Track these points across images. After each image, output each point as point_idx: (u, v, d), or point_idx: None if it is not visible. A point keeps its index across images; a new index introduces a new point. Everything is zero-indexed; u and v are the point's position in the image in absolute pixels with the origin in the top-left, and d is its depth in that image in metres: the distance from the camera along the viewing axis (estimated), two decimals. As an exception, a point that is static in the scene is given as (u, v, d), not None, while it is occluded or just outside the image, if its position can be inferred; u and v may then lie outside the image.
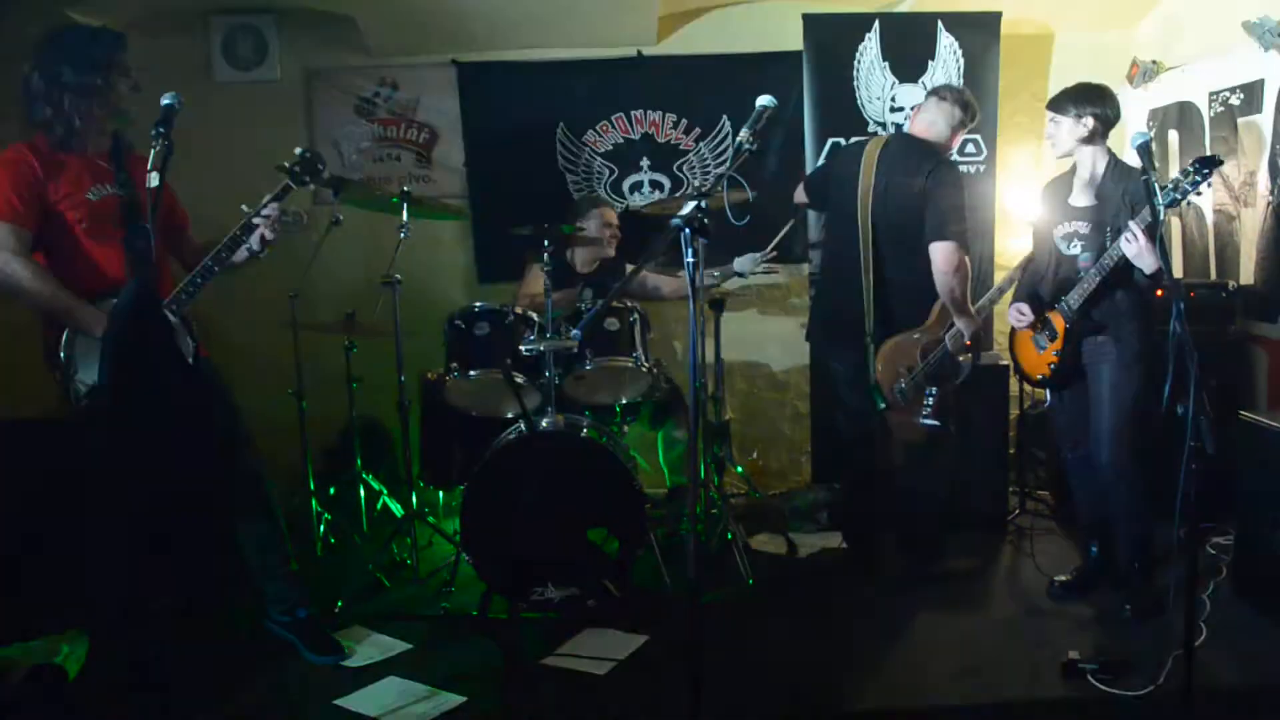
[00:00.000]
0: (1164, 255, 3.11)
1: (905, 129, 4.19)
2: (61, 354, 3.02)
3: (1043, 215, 3.86)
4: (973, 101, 4.08)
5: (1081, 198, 3.70)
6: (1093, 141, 3.63)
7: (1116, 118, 3.66)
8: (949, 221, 3.82)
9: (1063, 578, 3.92)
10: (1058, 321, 3.69)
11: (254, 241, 3.23)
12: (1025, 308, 3.78)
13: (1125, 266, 3.45)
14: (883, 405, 3.93)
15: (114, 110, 3.12)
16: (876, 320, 3.92)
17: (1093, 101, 3.60)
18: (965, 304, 3.90)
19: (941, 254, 3.81)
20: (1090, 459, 3.73)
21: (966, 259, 3.86)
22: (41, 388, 3.22)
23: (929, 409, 3.88)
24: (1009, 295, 4.02)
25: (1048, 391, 3.96)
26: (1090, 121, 3.59)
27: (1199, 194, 3.28)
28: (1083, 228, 3.65)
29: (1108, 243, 3.52)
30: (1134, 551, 3.68)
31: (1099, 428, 3.65)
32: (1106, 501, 3.76)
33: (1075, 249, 3.68)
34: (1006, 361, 4.79)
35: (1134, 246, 3.30)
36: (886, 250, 3.94)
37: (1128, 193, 3.51)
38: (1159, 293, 3.51)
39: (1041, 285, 3.81)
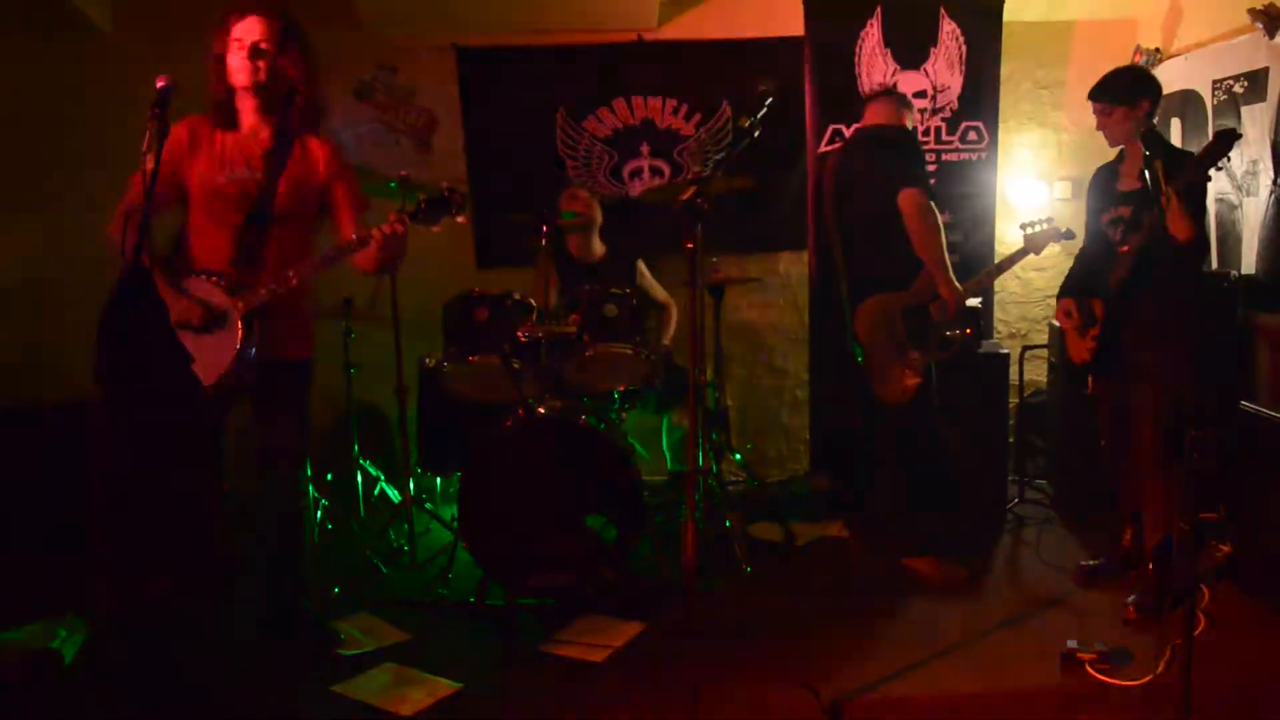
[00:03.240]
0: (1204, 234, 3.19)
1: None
2: None
3: (1091, 204, 3.86)
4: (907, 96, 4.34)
5: (1128, 183, 3.69)
6: (1145, 127, 3.62)
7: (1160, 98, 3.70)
8: (907, 170, 3.86)
9: (1091, 562, 3.92)
10: (1097, 305, 3.69)
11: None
12: (1071, 307, 3.79)
13: (1160, 246, 3.42)
14: (860, 359, 3.96)
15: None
16: (851, 283, 3.99)
17: (1146, 86, 3.61)
18: (943, 261, 3.87)
19: (906, 200, 3.83)
20: (1130, 447, 3.71)
21: (934, 205, 3.86)
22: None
23: (911, 370, 3.88)
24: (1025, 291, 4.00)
25: (1090, 379, 3.87)
26: (1147, 105, 3.58)
27: (1219, 169, 3.32)
28: (1127, 212, 3.64)
29: (1144, 222, 3.50)
30: (1156, 545, 3.62)
31: (1137, 413, 3.64)
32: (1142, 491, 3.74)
33: (1119, 235, 3.66)
34: (1006, 350, 4.80)
35: (1167, 211, 3.30)
36: (853, 216, 4.02)
37: (1165, 167, 3.45)
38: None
39: (1094, 277, 3.77)
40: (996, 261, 4.34)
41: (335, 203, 3.42)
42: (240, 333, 3.14)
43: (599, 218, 4.84)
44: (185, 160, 3.16)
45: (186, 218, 3.23)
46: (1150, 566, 3.62)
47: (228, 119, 3.23)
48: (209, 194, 3.17)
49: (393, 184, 4.14)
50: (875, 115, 4.13)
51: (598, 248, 4.86)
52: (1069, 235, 4.15)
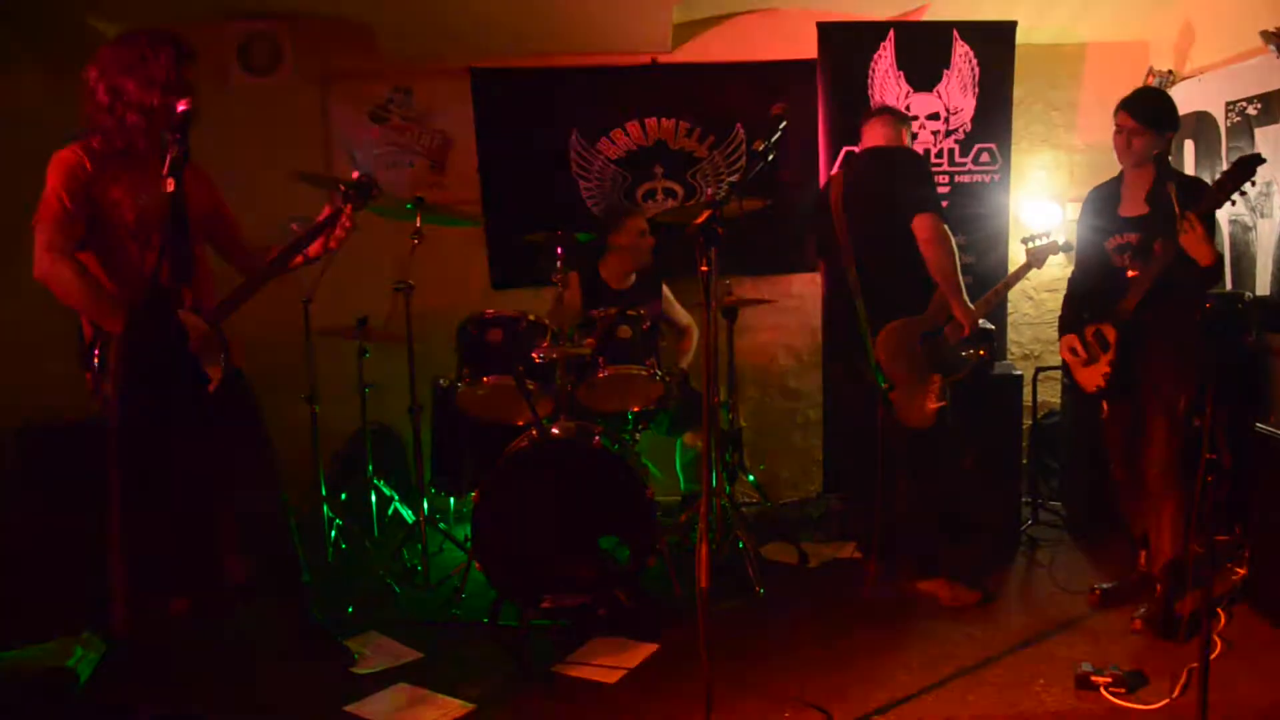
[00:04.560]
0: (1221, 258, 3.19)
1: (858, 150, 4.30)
2: (95, 356, 3.02)
3: (1090, 226, 3.83)
4: (904, 112, 4.34)
5: (1133, 208, 3.67)
6: (1158, 149, 3.60)
7: None
8: (920, 194, 3.86)
9: (1105, 585, 3.90)
10: (1109, 331, 3.68)
11: (311, 250, 3.39)
12: (1075, 343, 3.79)
13: (1175, 268, 3.42)
14: (884, 384, 3.92)
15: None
16: (868, 307, 3.96)
17: (1175, 115, 3.63)
18: (957, 282, 3.86)
19: (921, 224, 3.82)
20: (1141, 471, 3.71)
21: (947, 228, 3.85)
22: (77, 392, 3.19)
23: (933, 393, 3.89)
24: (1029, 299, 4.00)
25: (1104, 404, 3.85)
26: (1171, 136, 3.59)
27: (1243, 193, 3.33)
28: (1134, 238, 3.62)
29: (1158, 247, 3.49)
30: (1165, 563, 3.61)
31: (1149, 435, 3.62)
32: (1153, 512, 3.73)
33: (1126, 260, 3.64)
34: (1020, 371, 4.79)
35: (1190, 236, 3.30)
36: (866, 240, 3.99)
37: (1179, 194, 3.43)
38: (1208, 305, 3.57)
39: (1088, 300, 3.78)
40: (1004, 279, 4.36)
41: (225, 219, 3.47)
42: (223, 351, 3.16)
43: (651, 261, 4.86)
44: (95, 189, 3.07)
45: (106, 246, 3.13)
46: (1159, 588, 3.61)
47: (135, 147, 3.12)
48: (136, 219, 3.11)
49: (409, 204, 4.17)
50: (875, 135, 4.10)
51: (633, 278, 4.88)
52: (1068, 247, 4.19)
